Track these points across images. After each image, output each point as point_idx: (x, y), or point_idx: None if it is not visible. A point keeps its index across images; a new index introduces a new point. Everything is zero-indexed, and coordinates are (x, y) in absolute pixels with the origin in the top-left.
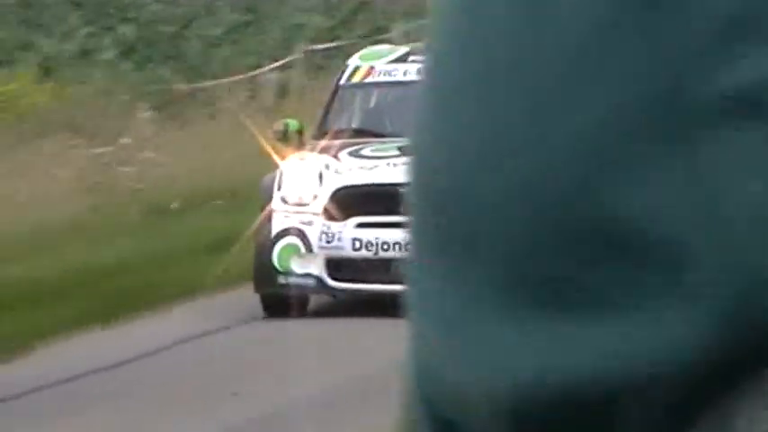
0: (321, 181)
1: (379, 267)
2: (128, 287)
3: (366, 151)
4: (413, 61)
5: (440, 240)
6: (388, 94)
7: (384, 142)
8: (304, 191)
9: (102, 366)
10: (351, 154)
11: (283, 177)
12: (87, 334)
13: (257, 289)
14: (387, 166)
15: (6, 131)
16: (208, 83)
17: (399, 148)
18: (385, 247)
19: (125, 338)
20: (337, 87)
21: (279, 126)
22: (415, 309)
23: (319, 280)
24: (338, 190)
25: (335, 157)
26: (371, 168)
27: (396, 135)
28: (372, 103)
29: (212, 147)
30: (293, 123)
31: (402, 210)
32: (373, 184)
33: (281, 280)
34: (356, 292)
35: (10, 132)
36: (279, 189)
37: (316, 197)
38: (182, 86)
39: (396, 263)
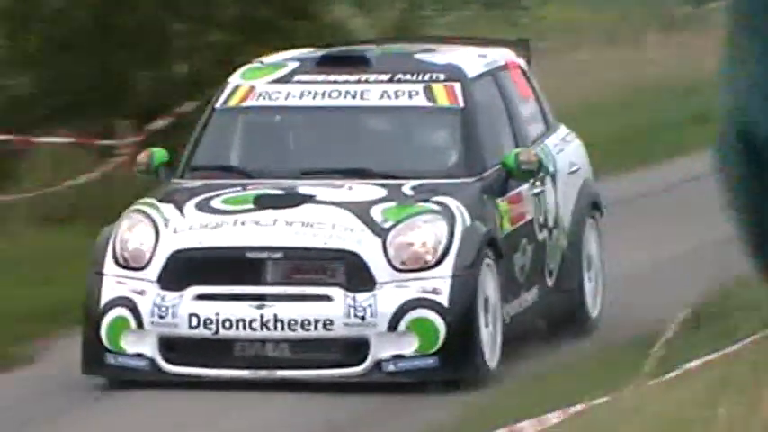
0: (157, 240)
1: (219, 349)
2: None
3: (217, 202)
4: (298, 81)
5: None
6: (267, 122)
7: (241, 191)
8: (137, 252)
9: None
10: (198, 206)
11: (117, 233)
12: None
13: (84, 369)
14: (233, 226)
15: None
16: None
17: (256, 200)
18: (227, 324)
19: None
20: (212, 111)
21: (143, 157)
22: (732, 73)
23: (152, 362)
24: (175, 253)
25: (180, 208)
26: (215, 227)
27: (272, 175)
28: (248, 134)
29: None
30: (159, 155)
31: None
32: (214, 248)
33: (111, 360)
34: (193, 378)
35: None
36: (112, 247)
37: (150, 260)
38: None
39: (240, 344)
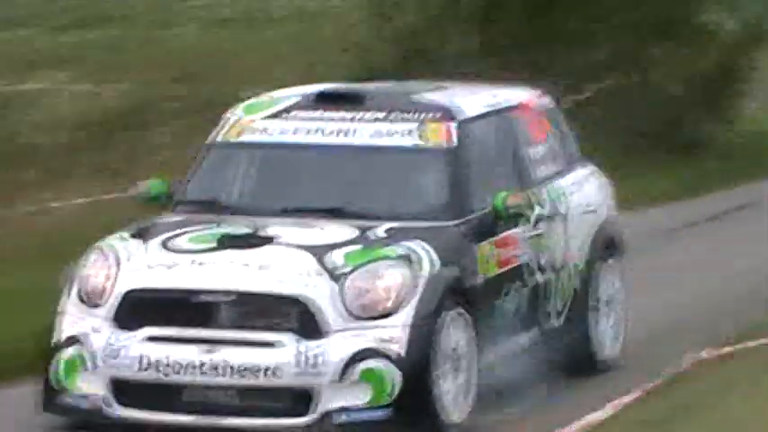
0: (116, 277)
1: (168, 393)
2: None
3: (182, 240)
4: (294, 117)
5: None
6: (258, 158)
7: (211, 228)
8: (97, 288)
9: None
10: (163, 243)
11: (81, 267)
12: None
13: (45, 407)
14: (189, 266)
15: None
16: None
17: (220, 240)
18: (176, 368)
19: None
20: (209, 145)
21: (141, 187)
22: None
23: (104, 403)
24: (129, 292)
25: (146, 245)
26: (170, 267)
27: (252, 212)
28: (238, 169)
29: None
30: (156, 186)
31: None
32: (165, 289)
33: (66, 399)
34: (143, 422)
35: None
36: (77, 282)
37: (108, 298)
38: None
39: (188, 389)
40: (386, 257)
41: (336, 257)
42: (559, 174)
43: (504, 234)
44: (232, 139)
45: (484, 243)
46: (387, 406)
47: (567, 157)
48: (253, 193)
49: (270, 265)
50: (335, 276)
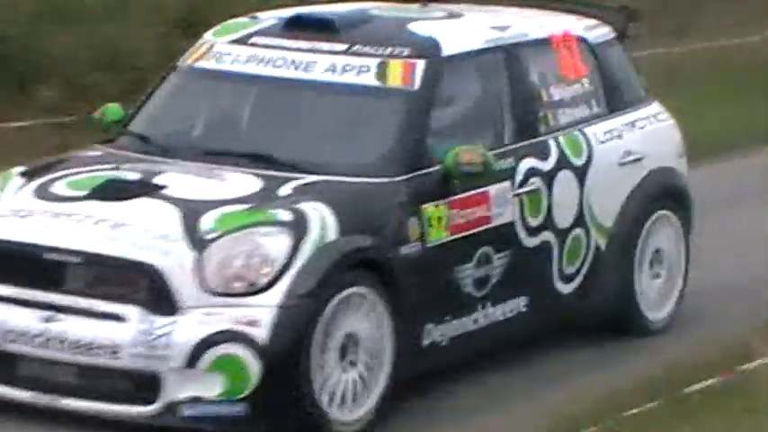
0: None
1: (3, 363)
2: None
3: (58, 185)
4: (253, 44)
5: None
6: (202, 89)
7: (98, 172)
8: None
9: None
10: (39, 186)
11: None
12: None
13: None
14: (40, 216)
15: None
16: None
17: (96, 187)
18: (9, 336)
19: None
20: (171, 69)
21: (97, 113)
22: None
23: None
24: None
25: (22, 186)
26: (24, 216)
27: (175, 152)
28: (182, 101)
29: None
30: (112, 110)
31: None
32: (8, 242)
33: None
34: None
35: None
36: None
37: None
38: None
39: (24, 359)
40: (263, 223)
41: (207, 219)
42: (593, 119)
43: (469, 193)
44: (188, 65)
45: (430, 205)
46: (243, 400)
47: (611, 100)
48: (185, 130)
49: (126, 224)
50: (198, 242)
